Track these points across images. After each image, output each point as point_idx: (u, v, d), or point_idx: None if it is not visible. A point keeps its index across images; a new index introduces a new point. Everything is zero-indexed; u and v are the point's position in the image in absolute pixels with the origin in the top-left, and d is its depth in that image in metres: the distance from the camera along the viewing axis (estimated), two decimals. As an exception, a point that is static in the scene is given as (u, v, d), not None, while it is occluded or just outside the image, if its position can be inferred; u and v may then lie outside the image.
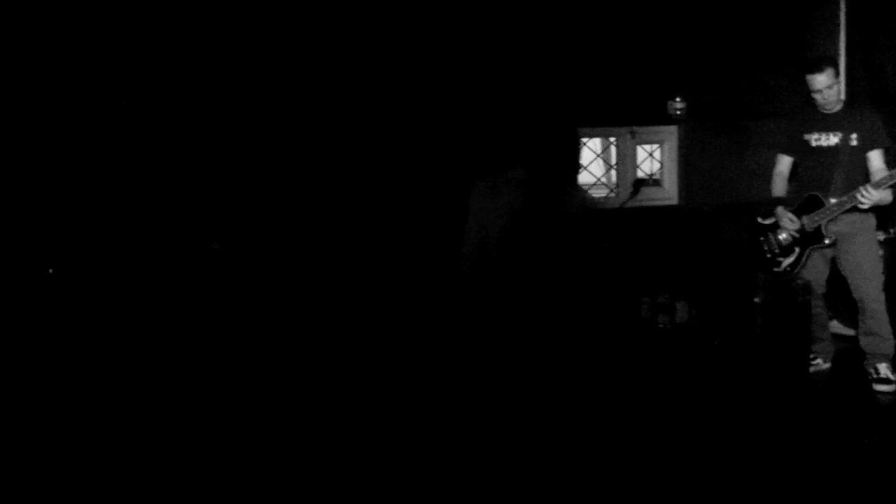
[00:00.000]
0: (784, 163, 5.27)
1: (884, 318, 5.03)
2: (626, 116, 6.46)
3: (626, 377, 5.13)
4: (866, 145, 4.97)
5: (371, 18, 5.35)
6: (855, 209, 4.91)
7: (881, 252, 5.62)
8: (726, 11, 6.51)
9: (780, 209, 5.15)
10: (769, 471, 3.95)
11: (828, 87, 4.93)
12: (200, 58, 5.31)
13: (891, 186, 4.81)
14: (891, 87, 6.49)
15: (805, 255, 5.10)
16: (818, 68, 4.94)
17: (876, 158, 4.98)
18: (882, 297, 5.06)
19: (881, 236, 5.81)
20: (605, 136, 6.58)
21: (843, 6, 6.93)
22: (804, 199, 5.09)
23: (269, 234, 5.40)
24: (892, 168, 4.84)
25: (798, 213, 5.09)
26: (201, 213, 5.32)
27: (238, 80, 5.40)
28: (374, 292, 5.49)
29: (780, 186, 5.26)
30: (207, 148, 5.37)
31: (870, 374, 5.04)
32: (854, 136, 4.97)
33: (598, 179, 6.45)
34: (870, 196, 4.75)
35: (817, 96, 4.98)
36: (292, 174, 5.41)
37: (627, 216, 6.39)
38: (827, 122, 5.05)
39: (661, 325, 6.05)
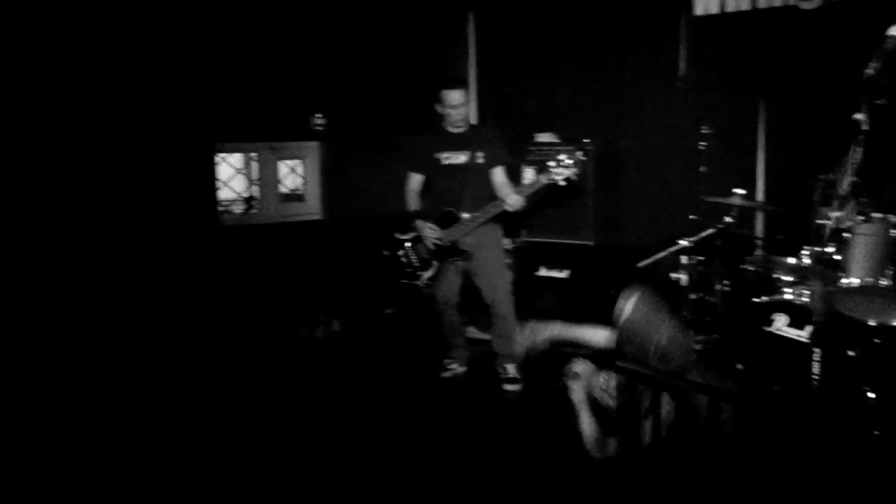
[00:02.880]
0: (415, 180, 5.44)
1: (512, 321, 5.38)
2: (267, 132, 6.34)
3: (269, 388, 5.14)
4: (490, 163, 5.31)
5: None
6: (486, 222, 5.21)
7: (509, 259, 6.04)
8: (366, 30, 6.66)
9: (419, 222, 5.30)
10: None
11: (462, 104, 5.20)
12: None
13: (530, 195, 5.15)
14: (516, 109, 7.04)
15: (443, 268, 5.31)
16: (455, 85, 5.22)
17: (499, 174, 5.34)
18: (510, 301, 5.42)
19: (510, 245, 6.26)
20: (246, 152, 6.42)
21: (472, 32, 7.41)
22: (440, 215, 5.30)
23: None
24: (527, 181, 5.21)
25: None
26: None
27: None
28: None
29: (414, 202, 5.43)
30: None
31: (500, 373, 5.38)
32: (480, 154, 5.28)
33: (240, 196, 6.27)
34: (515, 201, 5.05)
35: (452, 112, 5.21)
36: None
37: (272, 232, 6.32)
38: (455, 142, 5.31)
39: (307, 337, 6.03)
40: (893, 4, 5.04)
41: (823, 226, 2.98)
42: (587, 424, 3.82)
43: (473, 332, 6.25)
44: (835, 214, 2.95)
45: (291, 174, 6.67)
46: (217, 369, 5.33)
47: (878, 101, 2.90)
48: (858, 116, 2.89)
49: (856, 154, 2.90)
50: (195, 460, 4.19)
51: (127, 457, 4.17)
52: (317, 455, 4.31)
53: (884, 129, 2.90)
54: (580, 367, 3.79)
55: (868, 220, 4.15)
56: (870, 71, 2.92)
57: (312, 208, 6.69)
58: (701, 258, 5.30)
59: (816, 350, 3.05)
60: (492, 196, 5.28)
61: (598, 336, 3.87)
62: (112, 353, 5.14)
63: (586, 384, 3.77)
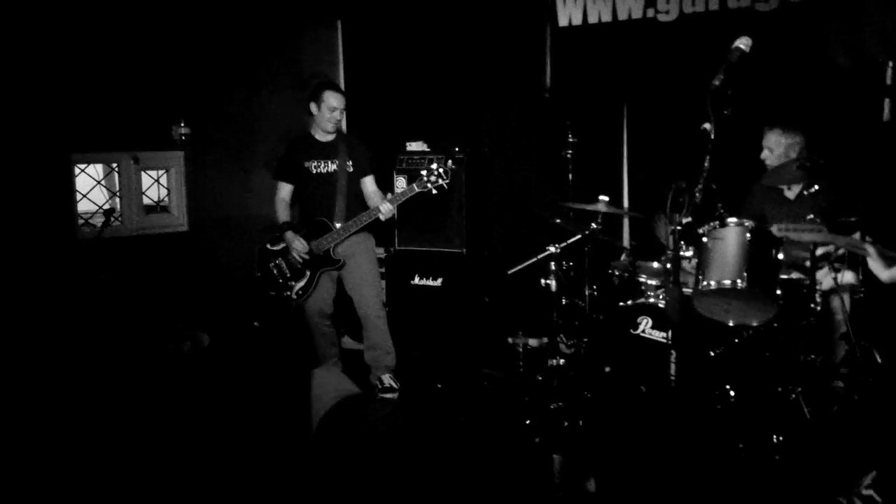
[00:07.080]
0: (285, 190, 5.37)
1: (385, 331, 5.36)
2: (129, 141, 6.11)
3: (133, 406, 4.95)
4: (360, 172, 5.29)
5: None
6: (358, 231, 5.18)
7: (382, 269, 6.02)
8: (230, 38, 6.53)
9: (289, 234, 5.22)
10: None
11: (341, 109, 5.17)
12: None
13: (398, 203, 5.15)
14: (385, 117, 7.02)
15: (316, 278, 5.24)
16: (339, 88, 5.22)
17: (369, 183, 5.33)
18: (383, 312, 5.40)
19: (382, 253, 6.24)
20: (106, 162, 6.16)
21: (340, 40, 7.36)
22: (312, 225, 5.23)
23: None
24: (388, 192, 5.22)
25: (307, 238, 5.21)
26: None
27: None
28: None
29: (283, 212, 5.35)
30: None
31: (375, 385, 5.34)
32: (349, 163, 5.25)
33: (100, 208, 6.00)
34: (388, 210, 5.05)
35: (330, 115, 5.15)
36: None
37: (135, 245, 6.10)
38: (324, 150, 5.26)
39: (174, 353, 5.87)
40: (742, 19, 5.33)
41: (675, 231, 3.07)
42: None
43: (349, 342, 6.20)
44: (686, 221, 3.04)
45: (156, 185, 6.44)
46: (75, 390, 5.08)
47: (724, 112, 3.01)
48: (706, 126, 2.99)
49: (705, 163, 3.01)
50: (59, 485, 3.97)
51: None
52: (185, 473, 4.16)
53: (729, 138, 3.02)
54: None
55: (724, 225, 4.32)
56: (716, 82, 3.03)
57: (178, 220, 6.47)
58: (570, 264, 5.41)
59: (673, 352, 3.14)
60: (362, 204, 5.26)
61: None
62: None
63: None
